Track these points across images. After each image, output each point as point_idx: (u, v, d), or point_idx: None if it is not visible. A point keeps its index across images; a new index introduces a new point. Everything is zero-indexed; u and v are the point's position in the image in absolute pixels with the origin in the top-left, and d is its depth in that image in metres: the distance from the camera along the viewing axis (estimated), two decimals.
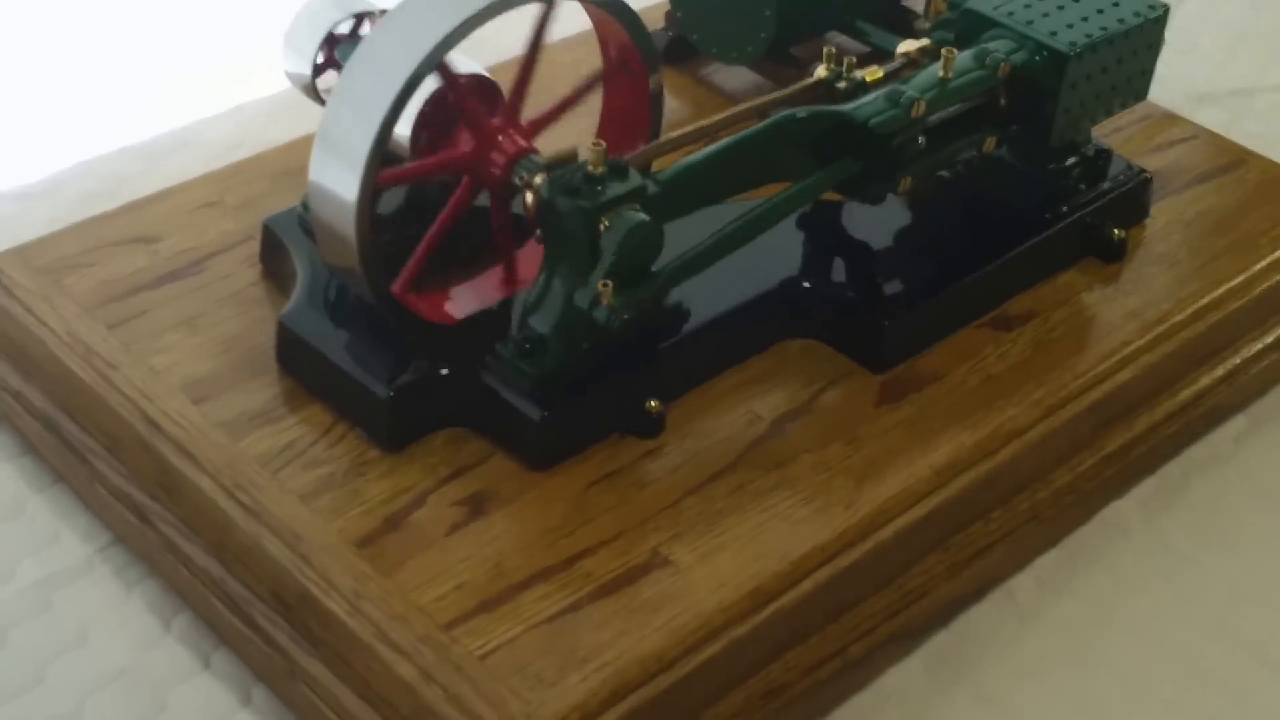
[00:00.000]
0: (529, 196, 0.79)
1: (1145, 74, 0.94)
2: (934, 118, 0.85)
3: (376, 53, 0.77)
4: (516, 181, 0.80)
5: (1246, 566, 0.90)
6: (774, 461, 0.82)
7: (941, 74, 0.86)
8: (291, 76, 0.89)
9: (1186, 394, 0.94)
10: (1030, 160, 0.93)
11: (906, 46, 0.91)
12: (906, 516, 0.81)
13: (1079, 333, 0.91)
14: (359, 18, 0.87)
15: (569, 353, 0.79)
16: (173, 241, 0.92)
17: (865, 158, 0.85)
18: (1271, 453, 0.97)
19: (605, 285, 0.77)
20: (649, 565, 0.76)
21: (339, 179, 0.77)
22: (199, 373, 0.84)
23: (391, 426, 0.80)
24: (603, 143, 0.77)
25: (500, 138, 0.81)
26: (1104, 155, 0.95)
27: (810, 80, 0.89)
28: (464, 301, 0.85)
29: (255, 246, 0.92)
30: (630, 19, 0.84)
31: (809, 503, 0.80)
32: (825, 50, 0.89)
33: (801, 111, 0.83)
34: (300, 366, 0.84)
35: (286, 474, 0.79)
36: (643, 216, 0.77)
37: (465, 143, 0.82)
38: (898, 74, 0.90)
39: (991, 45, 0.89)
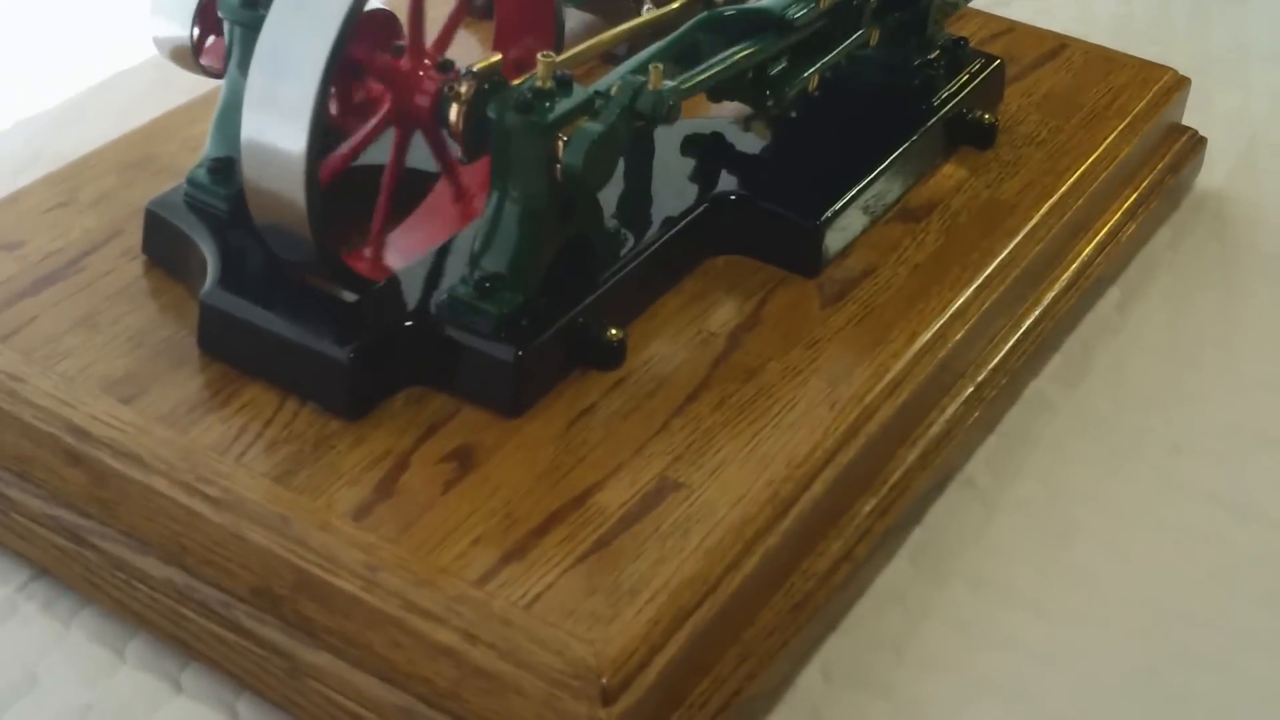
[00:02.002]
0: (453, 112, 0.74)
1: None
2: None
3: None
4: (445, 95, 0.75)
5: (1169, 419, 0.92)
6: (744, 373, 0.80)
7: None
8: (162, 43, 0.81)
9: (1075, 267, 0.96)
10: (902, 55, 0.93)
11: None
12: (886, 408, 0.80)
13: (982, 216, 0.91)
14: None
15: (532, 284, 0.75)
16: (37, 244, 0.84)
17: (773, 55, 0.83)
18: (1152, 315, 1.00)
19: (657, 67, 0.74)
20: (661, 490, 0.73)
21: (281, 134, 0.71)
22: (116, 371, 0.77)
23: (353, 392, 0.75)
24: (552, 54, 0.73)
25: (419, 74, 0.76)
26: (961, 46, 0.96)
27: None
28: (397, 254, 0.79)
29: (128, 240, 0.85)
30: None
31: (793, 407, 0.78)
32: None
33: (727, 10, 0.81)
34: (230, 347, 0.77)
35: (251, 458, 0.73)
36: (600, 127, 0.74)
37: (385, 96, 0.77)
38: None
39: None
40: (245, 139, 0.72)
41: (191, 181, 0.82)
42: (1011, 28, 1.08)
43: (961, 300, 0.86)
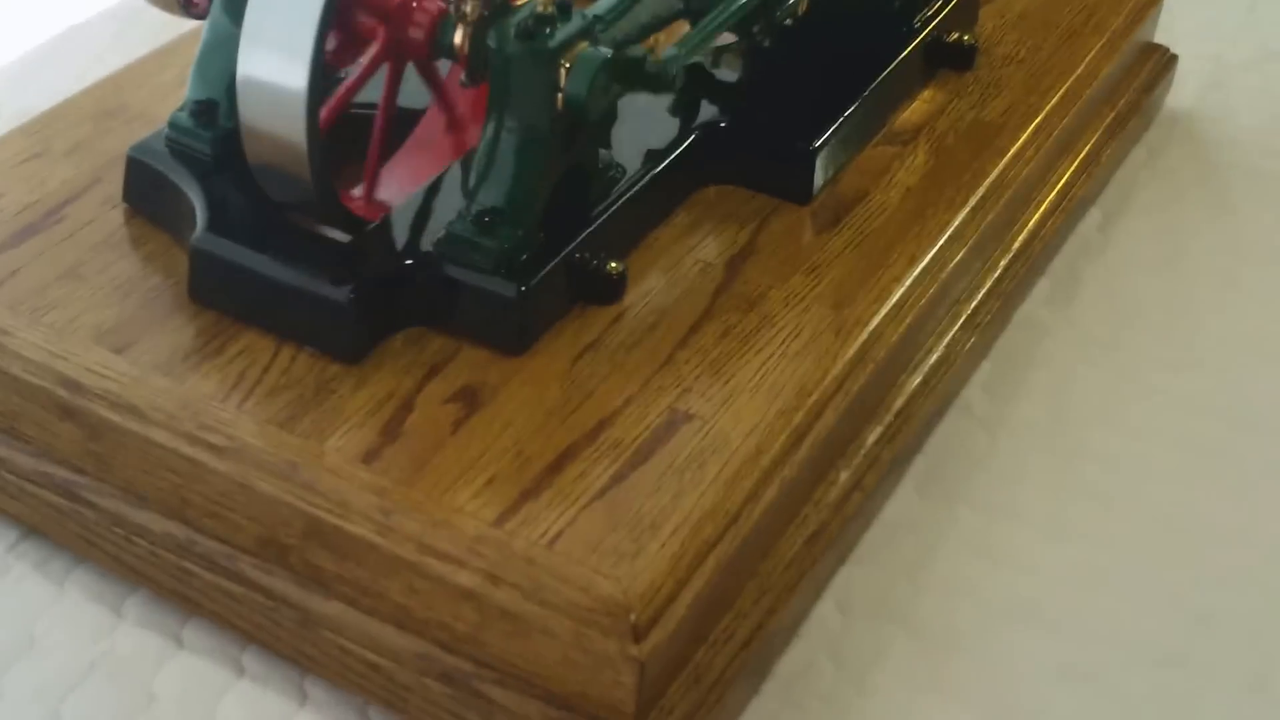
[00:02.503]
0: (459, 34, 0.72)
1: None
2: None
3: None
4: (449, 16, 0.73)
5: (1165, 336, 0.92)
6: (746, 302, 0.78)
7: None
8: None
9: (1059, 187, 0.95)
10: None
11: None
12: (890, 332, 0.79)
13: (969, 137, 0.90)
14: None
15: (532, 218, 0.74)
16: (13, 197, 0.81)
17: None
18: (1135, 235, 1.00)
19: (655, 39, 0.72)
20: (673, 423, 0.72)
21: (280, 70, 0.68)
22: (106, 321, 0.74)
23: (353, 334, 0.73)
24: None
25: (413, 5, 0.74)
26: None
27: None
28: (390, 191, 0.77)
29: (107, 189, 0.82)
30: None
31: (798, 335, 0.77)
32: None
33: None
34: (223, 294, 0.75)
35: (252, 405, 0.71)
36: (604, 52, 0.72)
37: (377, 31, 0.75)
38: None
39: None
40: (242, 77, 0.70)
41: (174, 125, 0.79)
42: None
43: (958, 221, 0.85)
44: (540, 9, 0.72)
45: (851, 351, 0.77)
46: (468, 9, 0.72)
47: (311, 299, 0.73)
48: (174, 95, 0.89)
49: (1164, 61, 1.07)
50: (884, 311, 0.79)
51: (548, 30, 0.72)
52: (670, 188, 0.83)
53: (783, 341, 0.76)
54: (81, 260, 0.78)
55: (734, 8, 0.80)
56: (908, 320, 0.80)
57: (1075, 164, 0.97)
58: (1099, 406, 0.88)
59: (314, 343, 0.73)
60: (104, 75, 0.92)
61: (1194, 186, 1.04)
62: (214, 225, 0.75)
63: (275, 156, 0.71)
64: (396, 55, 0.76)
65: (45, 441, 0.74)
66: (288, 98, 0.69)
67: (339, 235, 0.75)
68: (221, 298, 0.75)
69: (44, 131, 0.86)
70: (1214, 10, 1.21)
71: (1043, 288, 0.95)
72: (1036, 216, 0.93)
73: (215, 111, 0.79)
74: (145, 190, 0.80)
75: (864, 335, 0.77)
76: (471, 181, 0.74)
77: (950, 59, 0.95)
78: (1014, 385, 0.88)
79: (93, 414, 0.71)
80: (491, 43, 0.72)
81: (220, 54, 0.79)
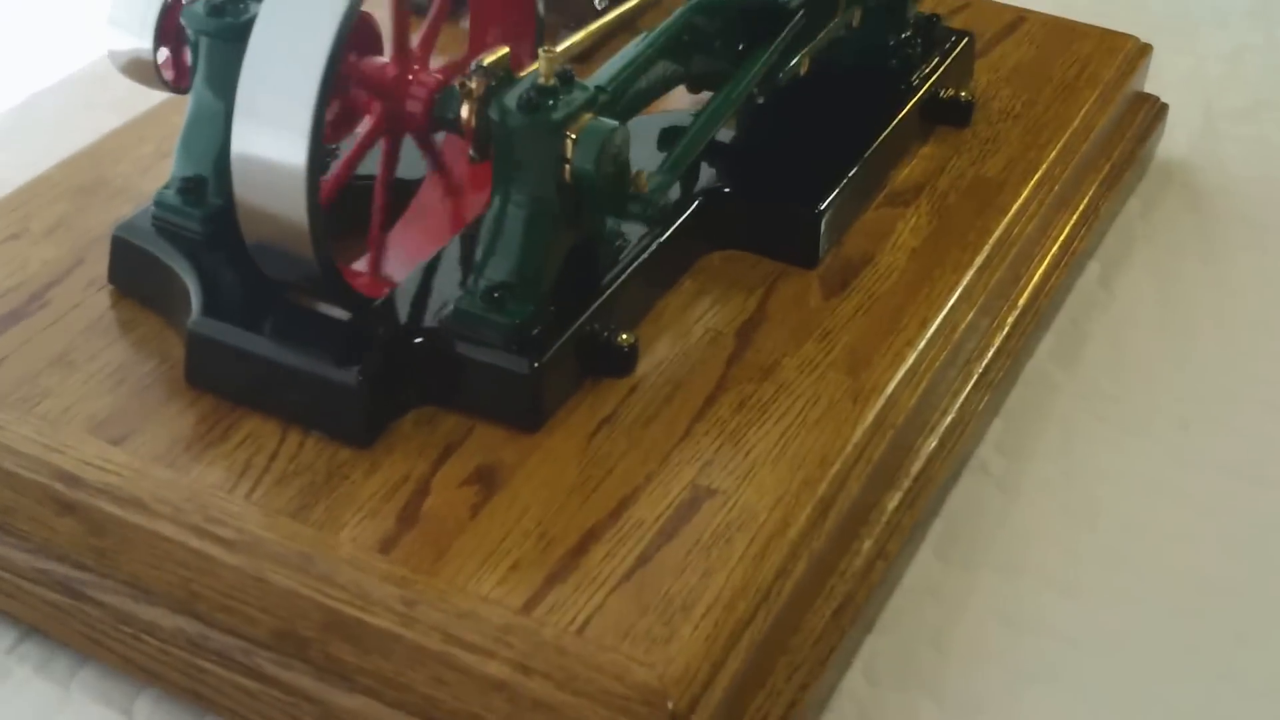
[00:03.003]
0: (464, 109, 0.70)
1: None
2: None
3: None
4: (454, 92, 0.72)
5: (1172, 392, 0.91)
6: (760, 371, 0.76)
7: None
8: (118, 56, 0.76)
9: (1060, 242, 0.94)
10: (879, 34, 0.91)
11: None
12: (907, 397, 0.77)
13: (971, 194, 0.89)
14: None
15: (541, 292, 0.72)
16: None
17: (770, 37, 0.80)
18: (1137, 288, 0.98)
19: (639, 173, 0.70)
20: (696, 499, 0.69)
21: (278, 147, 0.66)
22: (101, 411, 0.71)
23: (364, 417, 0.70)
24: (553, 49, 0.69)
25: (409, 79, 0.72)
26: (934, 23, 0.94)
27: None
28: (391, 265, 0.75)
29: (92, 270, 0.79)
30: None
31: (815, 403, 0.75)
32: None
33: None
34: (223, 378, 0.72)
35: (261, 495, 0.68)
36: (611, 123, 0.70)
37: (371, 105, 0.73)
38: None
39: None
40: (237, 154, 0.67)
41: (160, 204, 0.77)
42: (969, 3, 1.06)
43: (966, 282, 0.83)
44: (543, 80, 0.70)
45: (870, 418, 0.75)
46: (472, 84, 0.70)
47: (318, 382, 0.70)
48: (155, 169, 0.87)
49: (1155, 111, 1.06)
50: (899, 376, 0.77)
51: (551, 102, 0.70)
52: (676, 255, 0.81)
53: (800, 410, 0.74)
54: (71, 347, 0.75)
55: (722, 106, 0.78)
56: (923, 384, 0.78)
57: (1074, 218, 0.95)
58: (1110, 463, 0.86)
59: (322, 427, 0.71)
60: (74, 145, 0.90)
61: (1190, 238, 1.03)
62: (210, 308, 0.73)
63: (275, 235, 0.69)
64: (393, 129, 0.74)
65: (43, 537, 0.71)
66: (287, 175, 0.67)
67: (341, 313, 0.73)
68: (221, 382, 0.72)
69: (21, 210, 0.83)
70: (1198, 58, 1.20)
71: (1048, 343, 0.93)
72: (1040, 272, 0.91)
73: (204, 188, 0.77)
74: (133, 271, 0.78)
75: (881, 401, 0.76)
76: (478, 255, 0.72)
77: (948, 115, 0.94)
78: (1026, 443, 0.87)
79: (93, 508, 0.69)
80: (495, 115, 0.70)
81: (206, 129, 0.76)
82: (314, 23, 0.65)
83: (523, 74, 0.71)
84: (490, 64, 0.71)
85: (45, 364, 0.74)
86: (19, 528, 0.71)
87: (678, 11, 0.77)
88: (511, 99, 0.69)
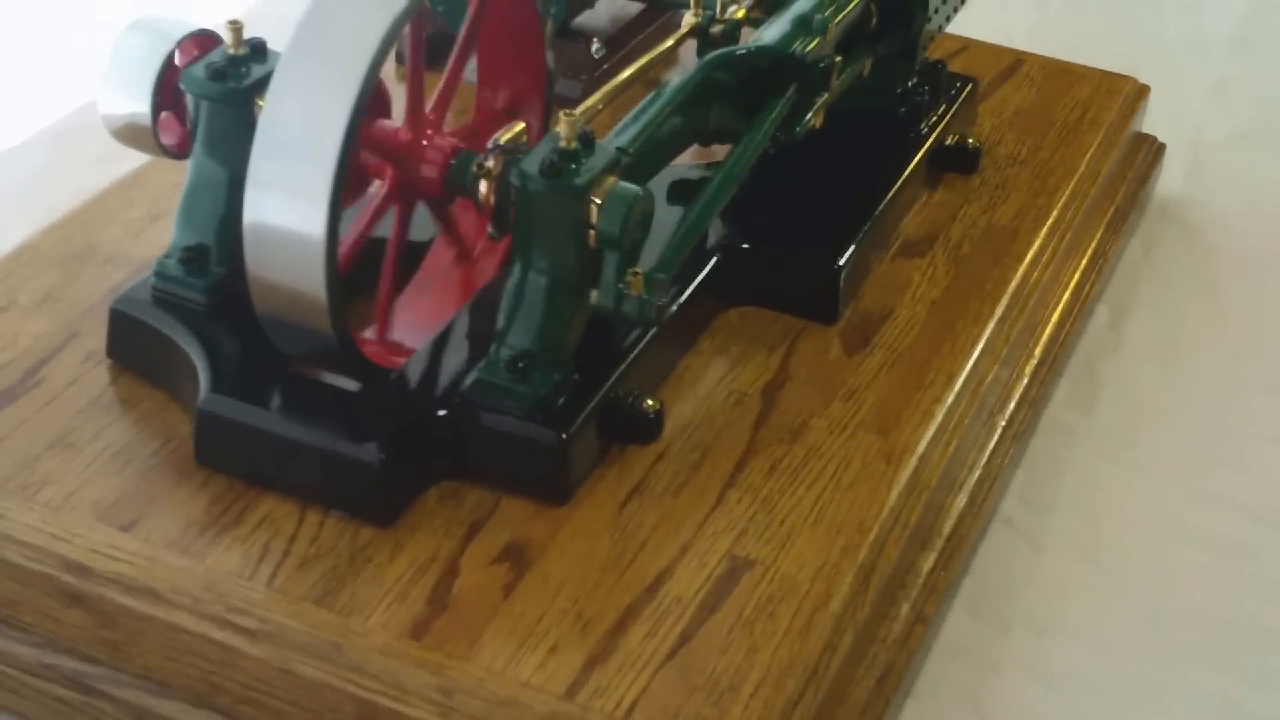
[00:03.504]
0: (483, 187, 0.68)
1: None
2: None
3: (306, 66, 0.64)
4: (470, 174, 0.69)
5: (1186, 434, 0.90)
6: (788, 433, 0.74)
7: None
8: (113, 120, 0.73)
9: (1073, 287, 0.92)
10: (888, 82, 0.89)
11: None
12: (939, 455, 0.75)
13: (985, 244, 0.87)
14: (189, 41, 0.73)
15: (566, 359, 0.69)
16: None
17: (783, 92, 0.78)
18: (1145, 329, 0.97)
19: (635, 274, 0.67)
20: (735, 570, 0.67)
21: (294, 216, 0.63)
22: (108, 495, 0.68)
23: (386, 496, 0.67)
24: (574, 113, 0.67)
25: (423, 144, 0.70)
26: (940, 69, 0.92)
27: (684, 30, 0.81)
28: (405, 334, 0.72)
29: (87, 343, 0.76)
30: None
31: (847, 465, 0.73)
32: None
33: (739, 49, 0.76)
34: (235, 457, 0.69)
35: (283, 581, 0.65)
36: (636, 188, 0.67)
37: (384, 171, 0.70)
38: (761, 8, 0.84)
39: None
40: (249, 224, 0.64)
41: (161, 275, 0.74)
42: (966, 45, 1.04)
43: (987, 334, 0.81)
44: (564, 144, 0.67)
45: (904, 479, 0.73)
46: (490, 164, 0.68)
47: (337, 460, 0.67)
48: (146, 234, 0.84)
49: (1154, 151, 1.05)
50: (930, 434, 0.75)
51: (573, 166, 0.67)
52: (695, 314, 0.78)
53: (833, 473, 0.72)
54: (70, 427, 0.72)
55: (733, 172, 0.76)
56: (953, 441, 0.76)
57: (1084, 263, 0.94)
58: (1131, 510, 0.85)
59: (342, 506, 0.68)
60: (52, 205, 0.87)
61: (1189, 276, 1.02)
62: (219, 384, 0.69)
63: (289, 308, 0.66)
64: (406, 195, 0.71)
65: (49, 630, 0.67)
66: (304, 246, 0.64)
67: (353, 384, 0.70)
68: (234, 462, 0.69)
69: (7, 281, 0.80)
70: (1184, 94, 1.19)
71: (1063, 390, 0.91)
72: (1054, 319, 0.89)
73: (206, 257, 0.73)
74: (133, 345, 0.74)
75: (914, 461, 0.74)
76: (499, 323, 0.69)
77: (956, 162, 0.92)
78: (1049, 494, 0.85)
79: (104, 599, 0.65)
80: (515, 181, 0.67)
81: (207, 196, 0.73)
82: (332, 88, 0.63)
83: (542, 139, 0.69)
84: (507, 141, 0.68)
85: (45, 446, 0.70)
86: (24, 620, 0.68)
87: (696, 68, 0.75)
88: (532, 164, 0.67)
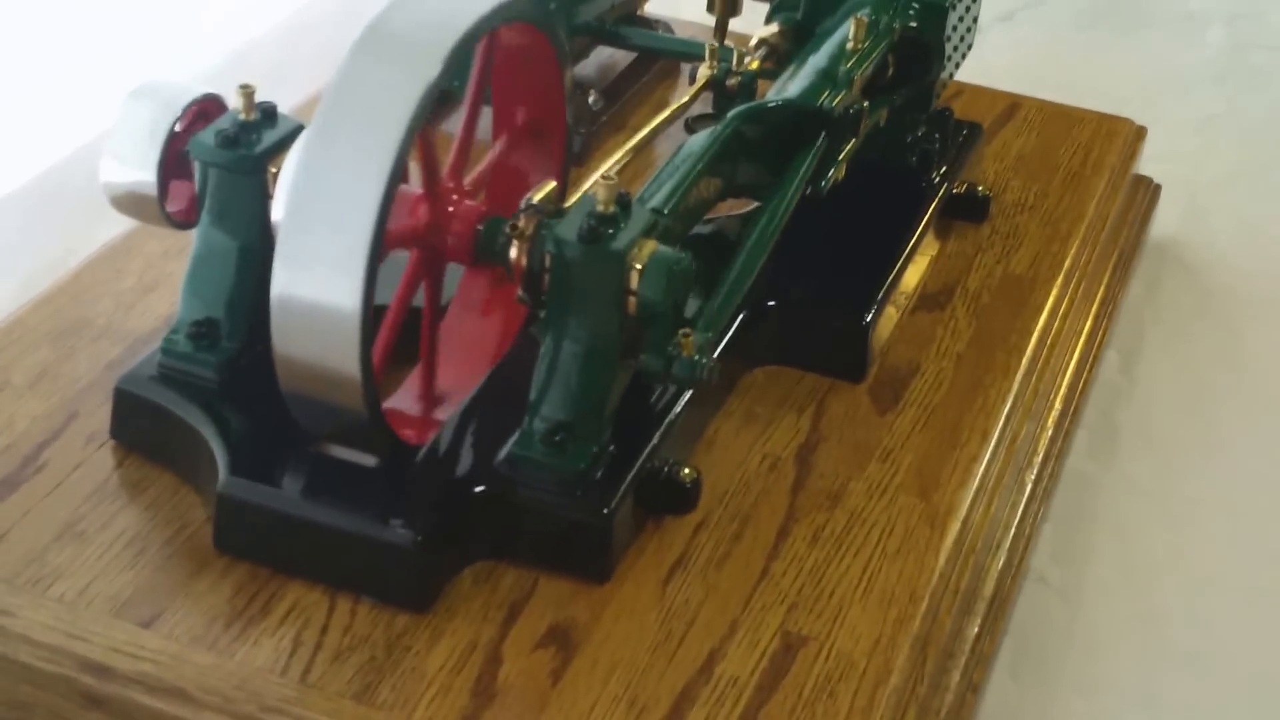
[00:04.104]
0: (514, 250, 0.65)
1: (973, 11, 0.89)
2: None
3: (338, 137, 0.60)
4: (500, 240, 0.66)
5: (1202, 477, 0.88)
6: (828, 499, 0.72)
7: (852, 43, 0.78)
8: (113, 188, 0.69)
9: (1086, 333, 0.90)
10: (902, 130, 0.86)
11: (764, 33, 0.83)
12: (981, 516, 0.73)
13: (1004, 294, 0.85)
14: (194, 108, 0.69)
15: (604, 431, 0.66)
16: None
17: (811, 144, 0.75)
18: (1156, 374, 0.96)
19: (687, 335, 0.64)
20: (789, 648, 0.64)
21: (328, 291, 0.60)
22: (124, 589, 0.64)
23: (423, 580, 0.64)
24: (613, 176, 0.64)
25: (448, 211, 0.67)
26: (947, 116, 0.90)
27: (700, 83, 0.79)
28: (430, 405, 0.69)
29: (88, 424, 0.72)
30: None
31: (891, 531, 0.70)
32: (707, 47, 0.79)
33: (769, 102, 0.73)
34: (258, 544, 0.65)
35: (318, 676, 0.61)
36: (678, 253, 0.65)
37: (407, 242, 0.67)
38: (773, 60, 0.81)
39: (862, 11, 0.81)
40: (278, 299, 0.61)
41: (168, 351, 0.70)
42: (961, 90, 1.02)
43: (1015, 388, 0.79)
44: (601, 208, 0.64)
45: (950, 543, 0.70)
46: (522, 224, 0.65)
47: (368, 543, 0.64)
48: (140, 305, 0.80)
49: (1151, 193, 1.03)
50: (970, 495, 0.73)
51: (611, 230, 0.64)
52: (723, 375, 0.76)
53: (878, 540, 0.70)
54: (78, 515, 0.68)
55: (768, 230, 0.73)
56: (994, 501, 0.74)
57: (1095, 308, 0.92)
58: (1162, 559, 0.83)
59: (374, 592, 0.64)
60: (32, 273, 0.82)
61: (1194, 318, 1.00)
62: (237, 466, 0.66)
63: (319, 386, 0.63)
64: (433, 261, 0.68)
65: None
66: (337, 322, 0.61)
67: (376, 460, 0.66)
68: (257, 548, 0.66)
69: None
70: (1172, 134, 1.18)
71: (1082, 439, 0.89)
72: (1072, 368, 0.87)
73: (217, 332, 0.70)
74: (140, 425, 0.71)
75: (956, 524, 0.71)
76: (533, 393, 0.66)
77: (966, 211, 0.90)
78: (1080, 549, 0.83)
79: (127, 701, 0.61)
80: (551, 248, 0.64)
81: (216, 268, 0.70)
82: (364, 153, 0.59)
83: (569, 203, 0.66)
84: (540, 200, 0.65)
85: (52, 537, 0.67)
86: None
87: (725, 122, 0.72)
88: (569, 229, 0.64)
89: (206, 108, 0.70)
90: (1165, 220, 1.07)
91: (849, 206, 0.84)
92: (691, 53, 0.89)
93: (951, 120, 0.90)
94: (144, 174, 0.69)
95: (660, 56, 0.96)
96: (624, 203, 0.65)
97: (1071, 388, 0.87)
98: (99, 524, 0.67)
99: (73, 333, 0.78)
